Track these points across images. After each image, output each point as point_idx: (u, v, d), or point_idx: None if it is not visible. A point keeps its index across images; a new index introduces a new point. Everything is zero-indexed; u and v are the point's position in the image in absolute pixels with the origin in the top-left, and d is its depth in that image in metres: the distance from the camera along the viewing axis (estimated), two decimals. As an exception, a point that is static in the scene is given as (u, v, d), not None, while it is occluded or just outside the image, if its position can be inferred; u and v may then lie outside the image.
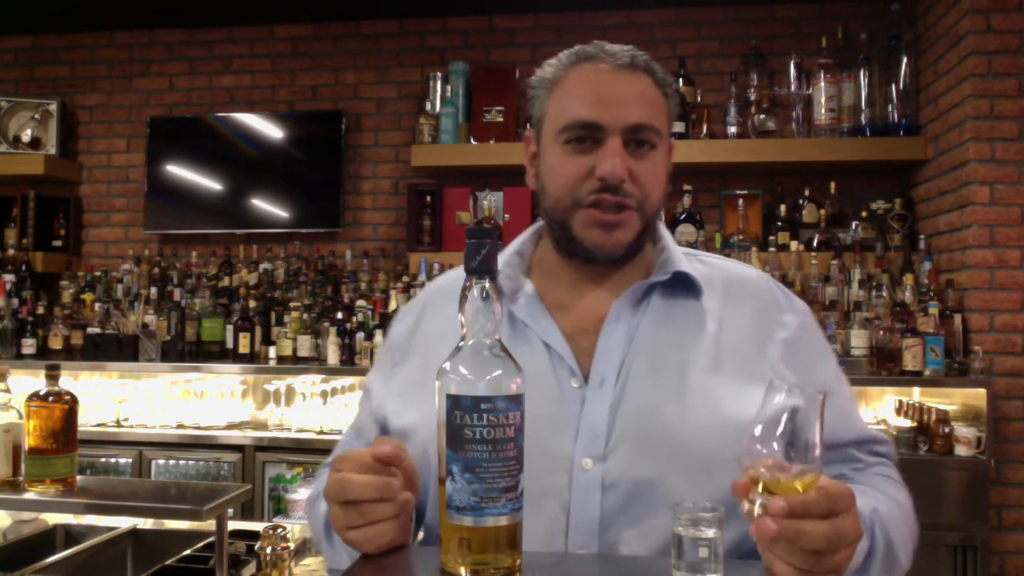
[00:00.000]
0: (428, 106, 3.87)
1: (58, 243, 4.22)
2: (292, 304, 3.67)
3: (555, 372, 1.04)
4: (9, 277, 3.91)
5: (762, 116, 3.58)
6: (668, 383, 1.01)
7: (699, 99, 3.69)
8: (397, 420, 1.11)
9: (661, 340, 1.04)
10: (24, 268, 4.01)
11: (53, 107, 4.20)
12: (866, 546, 0.91)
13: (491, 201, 3.76)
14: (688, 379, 1.01)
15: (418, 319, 1.19)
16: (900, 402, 3.25)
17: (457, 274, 1.20)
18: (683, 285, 1.08)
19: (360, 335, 3.51)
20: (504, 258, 1.13)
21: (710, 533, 0.77)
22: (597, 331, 1.06)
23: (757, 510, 0.77)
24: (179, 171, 4.13)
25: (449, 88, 3.84)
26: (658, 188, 1.07)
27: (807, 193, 3.60)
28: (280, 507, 3.37)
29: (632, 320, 1.06)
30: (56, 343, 3.77)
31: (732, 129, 3.59)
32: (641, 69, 1.06)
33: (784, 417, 0.77)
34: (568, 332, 1.07)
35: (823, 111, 3.53)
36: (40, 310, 3.88)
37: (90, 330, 3.74)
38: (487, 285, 0.82)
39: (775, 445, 0.77)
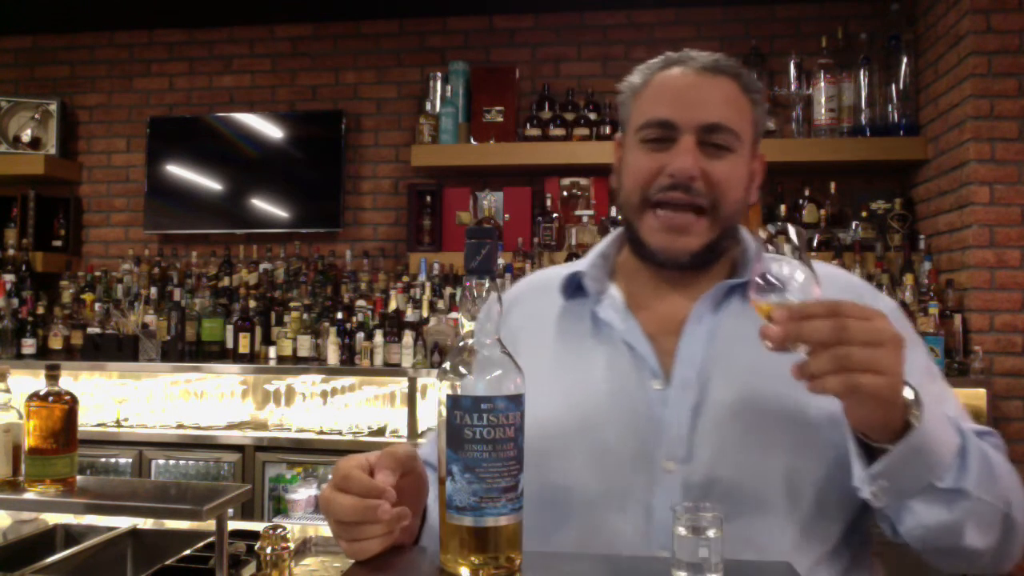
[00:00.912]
0: (428, 106, 3.87)
1: (58, 243, 4.22)
2: (292, 304, 3.67)
3: (637, 373, 1.04)
4: (9, 277, 3.91)
5: (762, 116, 3.58)
6: (749, 385, 1.01)
7: (699, 99, 3.68)
8: None
9: (742, 341, 1.02)
10: (24, 268, 4.01)
11: (53, 107, 4.20)
12: (956, 441, 0.88)
13: (491, 201, 3.76)
14: (770, 381, 0.99)
15: (506, 314, 1.20)
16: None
17: (544, 274, 1.22)
18: None
19: (360, 335, 3.51)
20: (589, 260, 1.16)
21: (710, 533, 0.77)
22: (678, 332, 1.06)
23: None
24: (179, 171, 4.13)
25: (449, 88, 3.84)
26: (734, 192, 1.05)
27: (807, 193, 3.60)
28: (280, 507, 3.37)
29: (713, 321, 1.06)
30: (56, 343, 3.77)
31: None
32: (725, 73, 1.06)
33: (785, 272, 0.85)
34: (650, 333, 1.07)
35: (823, 111, 3.53)
36: (40, 310, 3.88)
37: (90, 330, 3.74)
38: (487, 285, 0.82)
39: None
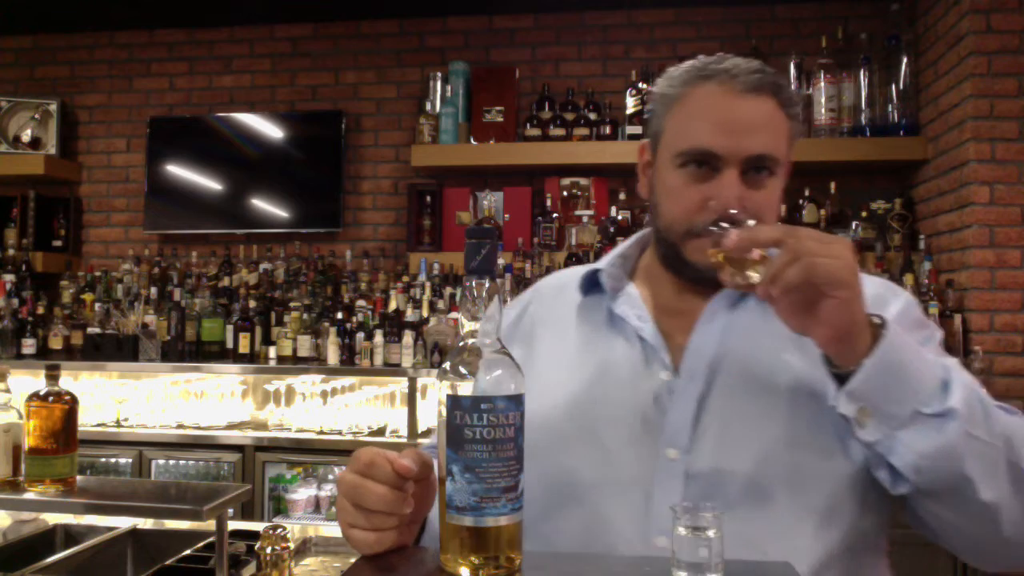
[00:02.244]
0: (428, 106, 3.87)
1: (58, 243, 4.22)
2: (292, 304, 3.67)
3: (647, 364, 1.06)
4: (9, 277, 3.91)
5: (762, 116, 3.58)
6: (757, 380, 1.02)
7: (699, 99, 3.68)
8: None
9: (754, 339, 1.04)
10: (24, 268, 4.01)
11: (53, 107, 4.20)
12: (940, 374, 0.89)
13: (491, 201, 3.76)
14: (778, 377, 1.01)
15: (522, 312, 1.23)
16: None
17: (565, 273, 1.25)
18: None
19: (360, 335, 3.51)
20: (608, 259, 1.17)
21: (710, 533, 0.77)
22: (693, 330, 1.07)
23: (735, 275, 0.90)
24: (179, 171, 4.13)
25: (449, 88, 3.84)
26: (771, 214, 1.06)
27: (807, 193, 3.60)
28: (280, 507, 3.37)
29: (727, 318, 1.07)
30: (56, 343, 3.77)
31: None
32: (767, 92, 1.04)
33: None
34: (665, 330, 1.09)
35: (823, 111, 3.53)
36: (40, 310, 3.88)
37: (90, 330, 3.74)
38: (488, 285, 0.82)
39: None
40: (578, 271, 1.19)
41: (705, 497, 0.97)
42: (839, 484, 0.97)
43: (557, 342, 1.13)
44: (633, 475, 1.00)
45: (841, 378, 0.89)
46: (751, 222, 0.91)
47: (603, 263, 1.17)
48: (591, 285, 1.16)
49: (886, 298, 1.08)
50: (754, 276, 0.88)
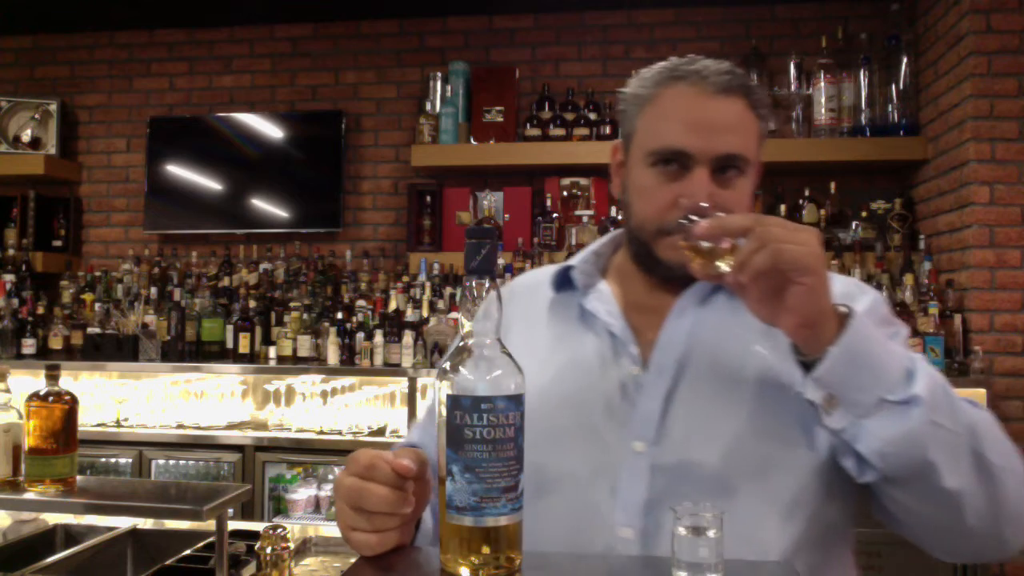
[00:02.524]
0: (428, 106, 3.87)
1: (58, 243, 4.22)
2: (292, 304, 3.67)
3: (616, 359, 1.08)
4: (9, 277, 3.91)
5: (762, 116, 3.58)
6: (725, 374, 1.03)
7: (699, 99, 3.68)
8: None
9: (724, 334, 1.06)
10: (24, 268, 4.01)
11: (53, 107, 4.20)
12: (905, 364, 0.90)
13: (491, 201, 3.76)
14: (746, 371, 1.03)
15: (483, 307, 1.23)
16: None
17: (539, 272, 1.25)
18: None
19: (360, 335, 3.51)
20: (581, 256, 1.19)
21: (710, 533, 0.77)
22: (662, 326, 1.09)
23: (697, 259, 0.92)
24: (179, 171, 4.13)
25: (449, 88, 3.84)
26: (741, 212, 1.06)
27: (807, 193, 3.60)
28: (280, 507, 3.37)
29: (697, 314, 1.09)
30: (56, 343, 3.77)
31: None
32: (737, 93, 1.05)
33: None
34: (635, 325, 1.10)
35: (823, 111, 3.53)
36: (40, 310, 3.88)
37: (90, 330, 3.74)
38: (488, 285, 0.82)
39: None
40: (551, 269, 1.20)
41: (671, 490, 0.99)
42: (805, 474, 0.98)
43: (528, 338, 1.13)
44: (599, 468, 1.01)
45: (808, 366, 0.91)
46: (720, 214, 0.92)
47: (576, 260, 1.18)
48: (564, 282, 1.17)
49: (854, 295, 1.09)
50: (723, 266, 0.90)
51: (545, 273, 1.21)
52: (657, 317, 1.09)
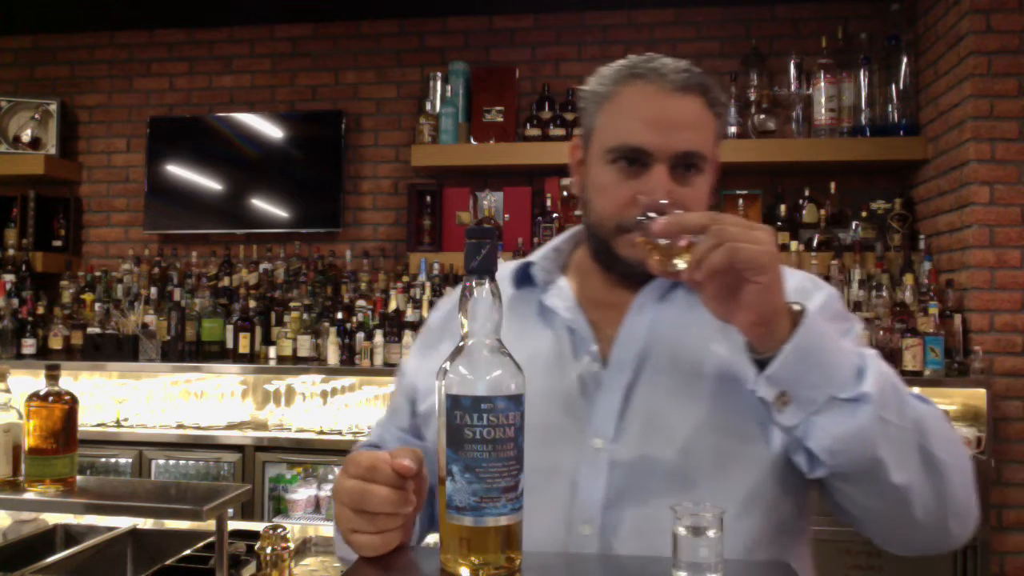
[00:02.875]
0: (428, 106, 3.87)
1: (58, 243, 4.22)
2: (292, 304, 3.67)
3: (576, 355, 1.08)
4: (9, 277, 3.91)
5: (762, 116, 3.58)
6: (684, 370, 1.04)
7: (699, 99, 3.68)
8: (425, 399, 1.14)
9: (683, 330, 1.06)
10: (24, 268, 4.01)
11: (53, 107, 4.20)
12: (855, 361, 0.91)
13: (491, 201, 3.76)
14: (704, 367, 1.03)
15: (456, 305, 1.21)
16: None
17: (503, 266, 1.23)
18: None
19: (360, 335, 3.51)
20: (541, 252, 1.19)
21: (710, 533, 0.77)
22: (622, 322, 1.09)
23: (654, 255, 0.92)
24: (179, 171, 4.13)
25: (449, 88, 3.84)
26: (700, 209, 1.07)
27: (807, 193, 3.60)
28: (280, 507, 3.37)
29: (656, 311, 1.09)
30: (56, 343, 3.77)
31: (732, 129, 3.59)
32: (695, 91, 1.06)
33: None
34: (594, 322, 1.10)
35: (823, 111, 3.53)
36: (40, 310, 3.88)
37: (90, 330, 3.74)
38: (488, 285, 0.82)
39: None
40: (512, 265, 1.20)
41: (630, 486, 0.99)
42: (761, 469, 0.99)
43: None
44: (559, 465, 1.02)
45: (762, 364, 0.91)
46: (678, 212, 0.93)
47: (536, 256, 1.19)
48: (523, 278, 1.17)
49: (808, 290, 1.10)
50: (680, 264, 0.91)
51: (505, 269, 1.19)
52: (616, 313, 1.10)
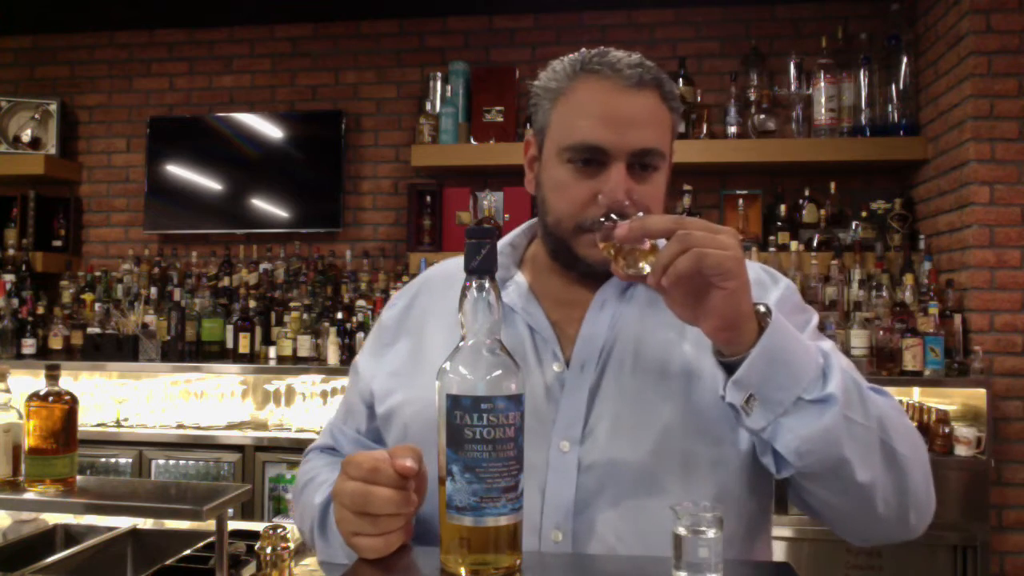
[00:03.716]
0: (428, 106, 3.87)
1: (58, 243, 4.22)
2: (292, 304, 3.67)
3: (538, 356, 1.07)
4: (9, 277, 3.91)
5: (762, 116, 3.58)
6: (649, 369, 1.03)
7: (699, 99, 3.69)
8: (384, 400, 1.12)
9: (644, 327, 1.06)
10: (24, 268, 4.01)
11: (53, 107, 4.20)
12: (820, 361, 0.91)
13: (491, 201, 3.76)
14: (669, 365, 1.03)
15: (411, 303, 1.21)
16: (900, 402, 3.24)
17: (453, 263, 1.22)
18: None
19: (360, 335, 3.51)
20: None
21: (710, 533, 0.77)
22: (582, 320, 1.08)
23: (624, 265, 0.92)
24: (179, 171, 4.13)
25: (449, 88, 3.84)
26: (657, 206, 1.07)
27: (807, 193, 3.60)
28: (280, 507, 3.37)
29: (616, 308, 1.08)
30: (56, 343, 3.77)
31: (732, 129, 3.59)
32: (649, 86, 1.04)
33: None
34: (555, 320, 1.09)
35: (823, 111, 3.53)
36: (40, 310, 3.88)
37: (90, 330, 3.74)
38: (487, 285, 0.82)
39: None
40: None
41: (598, 488, 0.99)
42: (728, 470, 1.00)
43: (446, 333, 1.09)
44: (527, 470, 1.00)
45: (728, 367, 0.91)
46: (640, 215, 0.92)
47: None
48: None
49: (766, 283, 1.10)
50: (645, 267, 0.90)
51: (460, 264, 1.20)
52: (576, 311, 1.08)
